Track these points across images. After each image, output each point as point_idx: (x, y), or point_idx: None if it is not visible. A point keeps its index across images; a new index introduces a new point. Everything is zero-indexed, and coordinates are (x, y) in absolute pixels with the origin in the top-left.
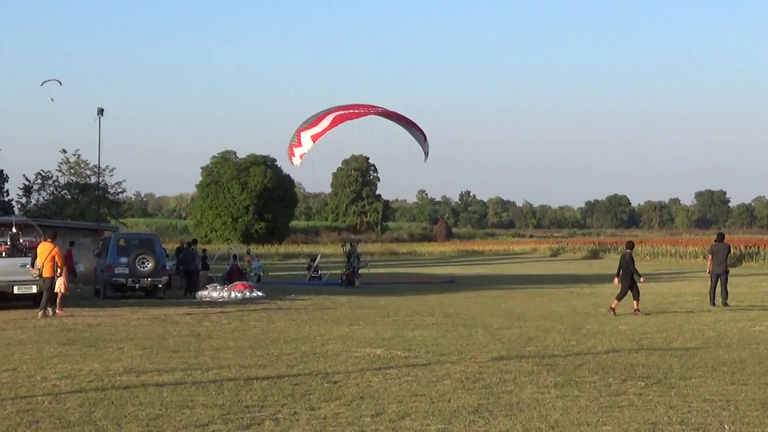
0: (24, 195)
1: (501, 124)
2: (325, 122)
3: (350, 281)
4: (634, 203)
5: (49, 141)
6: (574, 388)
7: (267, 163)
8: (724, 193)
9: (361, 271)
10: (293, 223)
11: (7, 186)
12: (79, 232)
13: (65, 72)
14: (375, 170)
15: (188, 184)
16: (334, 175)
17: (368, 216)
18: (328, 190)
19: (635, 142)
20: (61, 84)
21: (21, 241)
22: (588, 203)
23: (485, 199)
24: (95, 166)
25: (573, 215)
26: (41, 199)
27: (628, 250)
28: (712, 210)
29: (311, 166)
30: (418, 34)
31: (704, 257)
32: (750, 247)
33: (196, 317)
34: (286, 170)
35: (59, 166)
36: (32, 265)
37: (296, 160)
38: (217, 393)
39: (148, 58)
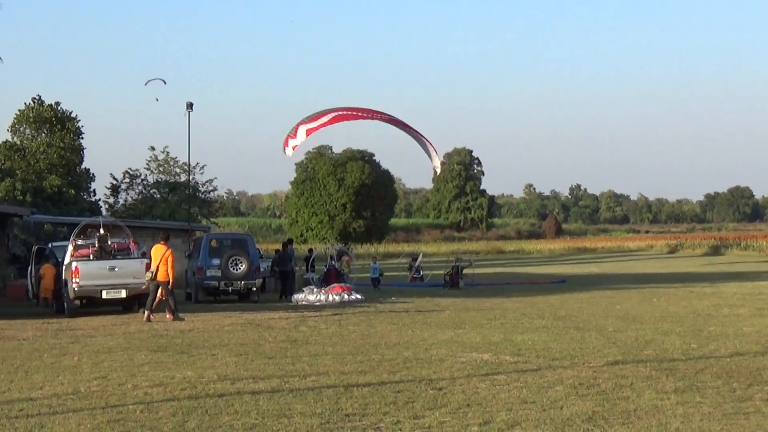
0: (111, 195)
1: (611, 113)
2: (324, 119)
3: (454, 282)
4: (758, 195)
5: (136, 138)
6: (695, 394)
7: (365, 158)
8: None
9: (465, 271)
10: (393, 221)
11: (94, 186)
12: (169, 233)
13: (154, 67)
14: (479, 164)
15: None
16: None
17: (472, 212)
18: (429, 185)
19: (759, 131)
20: (165, 83)
21: (109, 242)
22: (708, 196)
23: (597, 193)
24: (185, 163)
25: (692, 209)
26: (129, 198)
27: None
28: None
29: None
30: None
31: None
32: None
33: (293, 322)
34: (385, 165)
35: (147, 164)
36: (147, 269)
37: (288, 151)
38: (316, 401)
39: (239, 53)
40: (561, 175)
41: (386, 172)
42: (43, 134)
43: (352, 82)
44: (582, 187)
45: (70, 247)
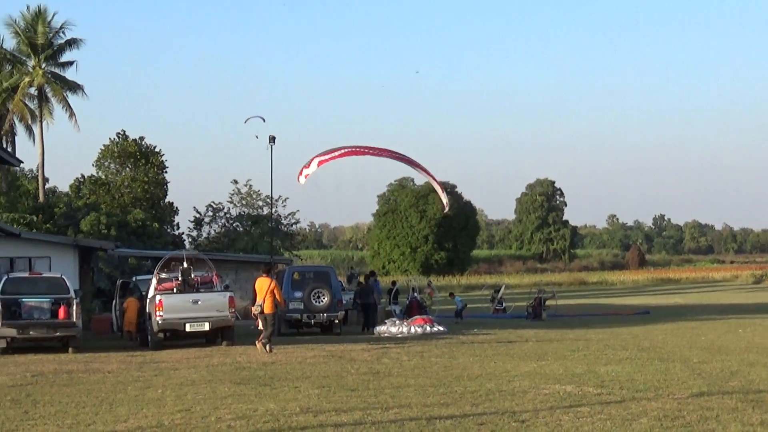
0: (195, 228)
1: (695, 142)
2: (336, 153)
3: (537, 313)
4: None
5: (220, 172)
6: None
7: (447, 189)
8: None
9: (548, 302)
10: (475, 253)
11: (177, 219)
12: (251, 266)
13: (234, 100)
14: (561, 194)
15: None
16: (518, 200)
17: (555, 243)
18: (511, 216)
19: None
20: (264, 121)
21: (192, 276)
22: None
23: (681, 223)
24: (267, 196)
25: None
26: (212, 232)
27: None
28: None
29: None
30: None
31: None
32: None
33: (375, 354)
34: (467, 196)
35: (230, 197)
36: (253, 303)
37: (301, 179)
38: None
39: (322, 87)
40: (644, 205)
41: (468, 203)
42: (128, 168)
43: (433, 116)
44: (665, 217)
45: (154, 281)
